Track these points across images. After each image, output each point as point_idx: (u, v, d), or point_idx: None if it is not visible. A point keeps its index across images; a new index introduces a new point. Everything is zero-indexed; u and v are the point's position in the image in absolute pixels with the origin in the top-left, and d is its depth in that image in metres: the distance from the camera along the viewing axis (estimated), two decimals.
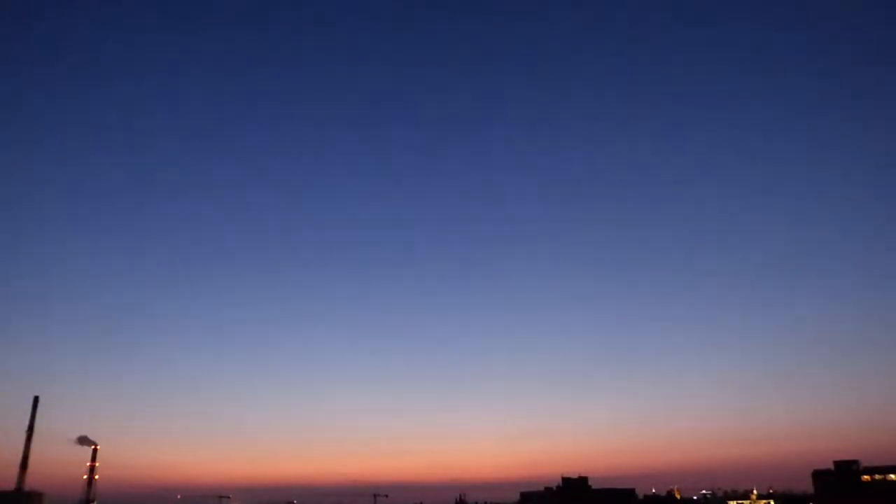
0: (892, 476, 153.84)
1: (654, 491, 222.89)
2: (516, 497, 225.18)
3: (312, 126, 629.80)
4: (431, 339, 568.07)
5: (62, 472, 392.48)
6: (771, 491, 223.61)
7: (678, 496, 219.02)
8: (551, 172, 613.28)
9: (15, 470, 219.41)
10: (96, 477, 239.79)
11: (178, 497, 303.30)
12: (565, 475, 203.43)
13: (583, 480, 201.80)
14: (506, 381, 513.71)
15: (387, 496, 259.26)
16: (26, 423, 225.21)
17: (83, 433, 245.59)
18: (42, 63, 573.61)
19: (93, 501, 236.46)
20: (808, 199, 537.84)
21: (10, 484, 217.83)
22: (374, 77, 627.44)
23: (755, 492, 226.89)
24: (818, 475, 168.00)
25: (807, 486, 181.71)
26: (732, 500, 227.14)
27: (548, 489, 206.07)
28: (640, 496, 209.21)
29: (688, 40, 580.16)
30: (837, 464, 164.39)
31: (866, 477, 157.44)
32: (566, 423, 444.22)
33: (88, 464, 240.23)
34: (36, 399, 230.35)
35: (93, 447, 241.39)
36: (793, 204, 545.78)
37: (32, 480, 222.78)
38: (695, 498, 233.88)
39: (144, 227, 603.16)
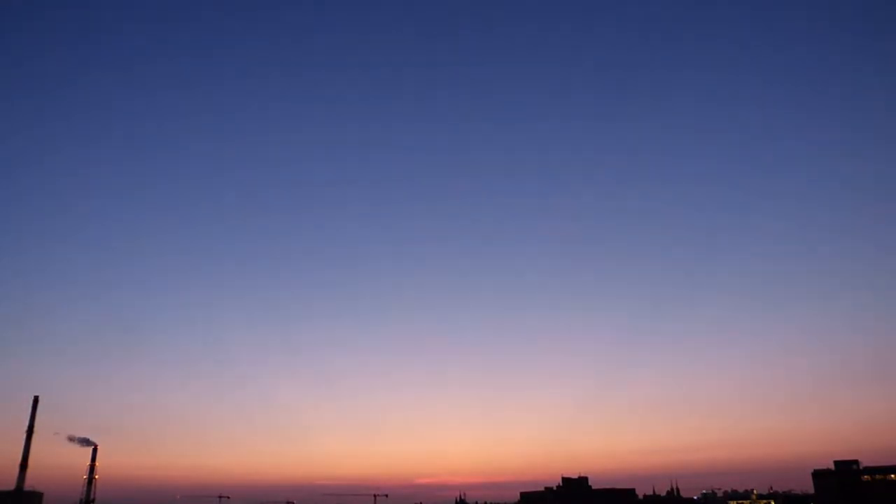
0: (893, 476, 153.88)
1: (654, 491, 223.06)
2: (516, 497, 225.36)
3: (317, 127, 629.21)
4: (432, 340, 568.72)
5: (62, 472, 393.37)
6: (771, 491, 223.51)
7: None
8: (550, 165, 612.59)
9: (15, 470, 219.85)
10: (96, 477, 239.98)
11: (178, 497, 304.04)
12: (565, 475, 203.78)
13: (583, 480, 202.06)
14: (506, 382, 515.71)
15: (387, 496, 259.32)
16: (26, 423, 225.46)
17: (83, 433, 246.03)
18: (42, 63, 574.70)
19: (93, 501, 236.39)
20: (808, 202, 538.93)
21: (10, 484, 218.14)
22: (379, 74, 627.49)
23: (755, 492, 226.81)
24: (818, 475, 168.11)
25: (807, 486, 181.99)
26: (732, 500, 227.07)
27: (548, 489, 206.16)
28: (640, 496, 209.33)
29: (688, 39, 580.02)
30: (837, 464, 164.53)
31: (866, 477, 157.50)
32: (566, 424, 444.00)
33: (88, 464, 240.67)
34: (36, 399, 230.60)
35: (93, 447, 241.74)
36: (792, 207, 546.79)
37: (32, 480, 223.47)
38: (695, 498, 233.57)
39: (144, 228, 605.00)
